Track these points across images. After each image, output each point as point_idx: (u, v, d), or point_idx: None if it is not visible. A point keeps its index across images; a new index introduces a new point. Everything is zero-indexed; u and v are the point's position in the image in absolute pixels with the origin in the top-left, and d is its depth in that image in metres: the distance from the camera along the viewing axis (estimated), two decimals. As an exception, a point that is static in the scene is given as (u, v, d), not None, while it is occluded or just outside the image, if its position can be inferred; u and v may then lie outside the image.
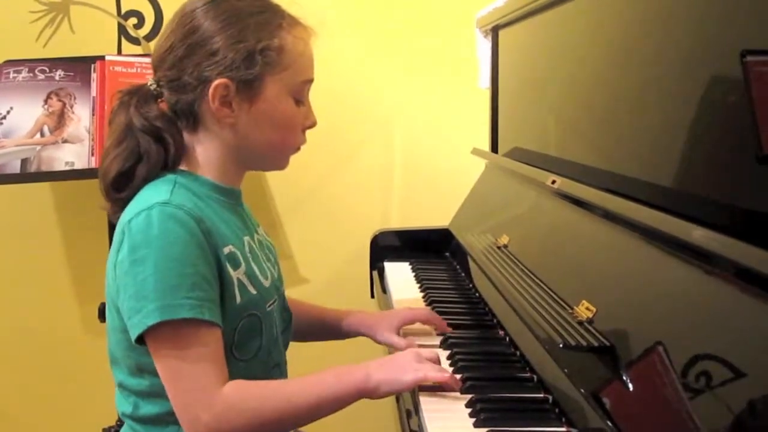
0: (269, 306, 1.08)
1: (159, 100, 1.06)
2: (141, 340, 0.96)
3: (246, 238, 1.09)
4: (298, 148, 1.12)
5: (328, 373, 1.00)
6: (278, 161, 1.12)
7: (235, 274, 1.02)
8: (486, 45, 1.84)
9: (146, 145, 1.03)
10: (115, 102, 1.07)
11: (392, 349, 1.21)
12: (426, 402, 0.99)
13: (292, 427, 1.02)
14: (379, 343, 1.26)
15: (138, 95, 1.06)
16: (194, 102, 1.03)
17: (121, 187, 1.03)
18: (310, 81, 1.09)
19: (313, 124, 1.12)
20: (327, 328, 1.31)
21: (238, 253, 1.04)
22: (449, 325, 1.27)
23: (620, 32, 1.13)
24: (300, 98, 1.08)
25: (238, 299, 1.01)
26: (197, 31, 1.02)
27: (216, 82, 1.01)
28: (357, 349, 1.37)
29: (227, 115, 1.03)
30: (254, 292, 1.04)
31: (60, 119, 1.82)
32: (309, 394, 0.98)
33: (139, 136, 1.03)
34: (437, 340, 1.22)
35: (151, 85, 1.06)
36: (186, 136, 1.06)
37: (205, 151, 1.06)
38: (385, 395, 1.00)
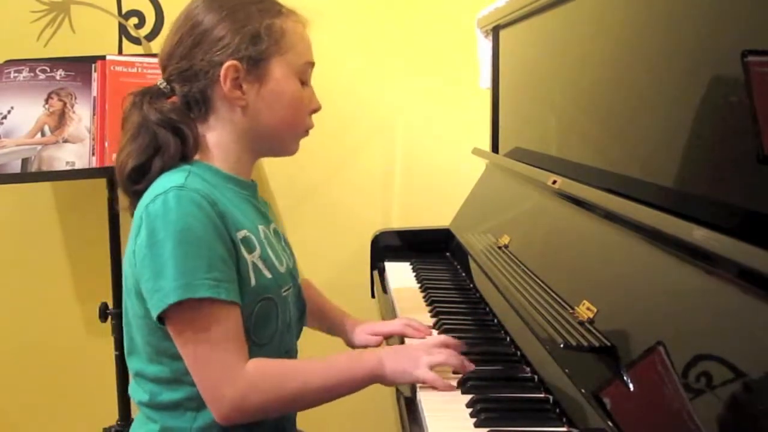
0: (284, 291, 1.10)
1: (168, 98, 1.09)
2: (162, 320, 0.98)
3: (261, 227, 1.10)
4: (307, 132, 1.16)
5: (343, 357, 1.06)
6: (288, 144, 1.15)
7: (249, 258, 1.03)
8: (487, 45, 1.84)
9: (164, 138, 1.05)
10: (127, 104, 1.10)
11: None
12: (427, 401, 0.99)
13: (306, 407, 1.06)
14: (354, 345, 1.31)
15: (149, 94, 1.09)
16: (206, 88, 1.07)
17: (137, 179, 1.05)
18: (312, 64, 1.14)
19: (318, 108, 1.16)
20: (324, 319, 1.36)
21: (253, 238, 1.06)
22: (450, 326, 1.27)
23: (621, 32, 1.13)
24: (305, 80, 1.12)
25: (253, 282, 1.03)
26: (202, 23, 1.06)
27: (226, 64, 1.05)
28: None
29: (239, 97, 1.07)
30: (269, 276, 1.06)
31: (61, 119, 1.82)
32: (325, 377, 1.03)
33: (155, 129, 1.06)
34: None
35: (161, 84, 1.09)
36: (198, 126, 1.09)
37: (217, 139, 1.09)
38: (394, 384, 1.06)
